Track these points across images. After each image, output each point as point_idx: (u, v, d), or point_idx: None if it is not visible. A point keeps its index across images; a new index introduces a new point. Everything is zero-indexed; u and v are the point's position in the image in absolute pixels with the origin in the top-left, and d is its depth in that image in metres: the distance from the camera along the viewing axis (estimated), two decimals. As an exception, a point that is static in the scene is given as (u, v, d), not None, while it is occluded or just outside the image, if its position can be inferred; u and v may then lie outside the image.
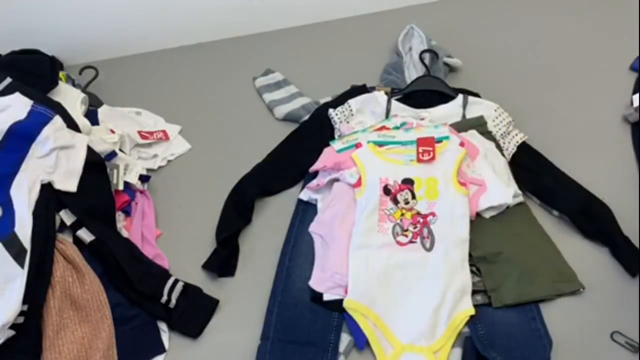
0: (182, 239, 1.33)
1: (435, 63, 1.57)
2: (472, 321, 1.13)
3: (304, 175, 1.40)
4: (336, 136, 1.42)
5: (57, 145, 1.21)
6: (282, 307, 1.18)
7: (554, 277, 1.18)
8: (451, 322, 1.12)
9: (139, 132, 1.48)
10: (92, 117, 1.43)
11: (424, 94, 1.46)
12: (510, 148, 1.37)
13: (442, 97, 1.45)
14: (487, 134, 1.37)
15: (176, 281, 1.20)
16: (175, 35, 1.79)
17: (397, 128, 1.37)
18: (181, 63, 1.76)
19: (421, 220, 1.23)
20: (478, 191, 1.26)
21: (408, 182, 1.26)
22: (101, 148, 1.32)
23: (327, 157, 1.36)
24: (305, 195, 1.35)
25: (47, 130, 1.22)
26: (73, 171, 1.22)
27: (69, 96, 1.40)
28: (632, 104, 1.48)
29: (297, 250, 1.28)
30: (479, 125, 1.38)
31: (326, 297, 1.17)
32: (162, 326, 1.18)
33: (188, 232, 1.34)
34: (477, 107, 1.42)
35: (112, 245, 1.21)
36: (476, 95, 1.46)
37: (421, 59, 1.55)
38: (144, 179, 1.40)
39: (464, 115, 1.42)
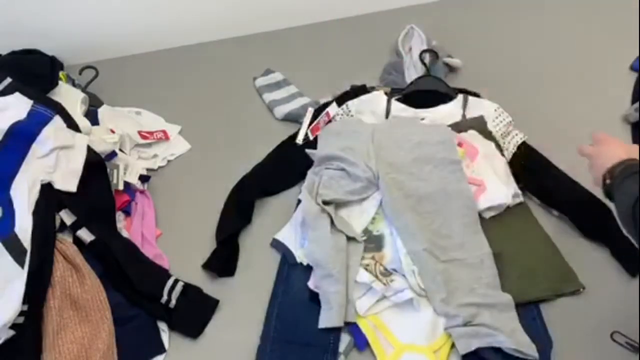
0: (182, 239, 1.33)
1: (435, 63, 1.57)
2: (472, 321, 1.12)
3: (304, 176, 1.40)
4: (336, 136, 1.42)
5: (57, 145, 1.21)
6: (282, 307, 1.18)
7: (554, 277, 1.17)
8: (451, 322, 1.12)
9: (139, 132, 1.48)
10: (92, 117, 1.43)
11: (424, 94, 1.46)
12: (510, 148, 1.37)
13: (442, 97, 1.45)
14: (487, 134, 1.37)
15: (176, 281, 1.20)
16: (175, 35, 1.79)
17: (397, 128, 1.37)
18: (181, 63, 1.76)
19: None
20: (477, 191, 1.26)
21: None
22: (101, 148, 1.31)
23: (327, 157, 1.36)
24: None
25: (47, 130, 1.22)
26: (73, 171, 1.22)
27: (69, 96, 1.40)
28: (632, 103, 1.48)
29: (297, 250, 1.27)
30: (479, 125, 1.38)
31: (326, 297, 1.17)
32: (162, 326, 1.18)
33: (188, 232, 1.34)
34: (477, 107, 1.42)
35: (112, 245, 1.21)
36: (476, 95, 1.46)
37: (421, 59, 1.55)
38: (144, 179, 1.40)
39: (464, 116, 1.41)
